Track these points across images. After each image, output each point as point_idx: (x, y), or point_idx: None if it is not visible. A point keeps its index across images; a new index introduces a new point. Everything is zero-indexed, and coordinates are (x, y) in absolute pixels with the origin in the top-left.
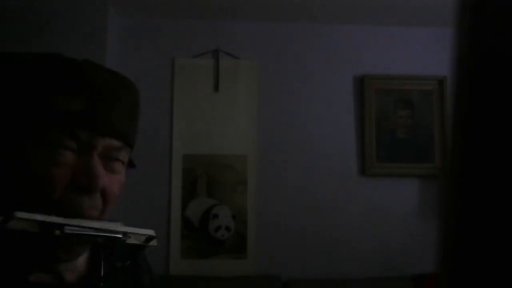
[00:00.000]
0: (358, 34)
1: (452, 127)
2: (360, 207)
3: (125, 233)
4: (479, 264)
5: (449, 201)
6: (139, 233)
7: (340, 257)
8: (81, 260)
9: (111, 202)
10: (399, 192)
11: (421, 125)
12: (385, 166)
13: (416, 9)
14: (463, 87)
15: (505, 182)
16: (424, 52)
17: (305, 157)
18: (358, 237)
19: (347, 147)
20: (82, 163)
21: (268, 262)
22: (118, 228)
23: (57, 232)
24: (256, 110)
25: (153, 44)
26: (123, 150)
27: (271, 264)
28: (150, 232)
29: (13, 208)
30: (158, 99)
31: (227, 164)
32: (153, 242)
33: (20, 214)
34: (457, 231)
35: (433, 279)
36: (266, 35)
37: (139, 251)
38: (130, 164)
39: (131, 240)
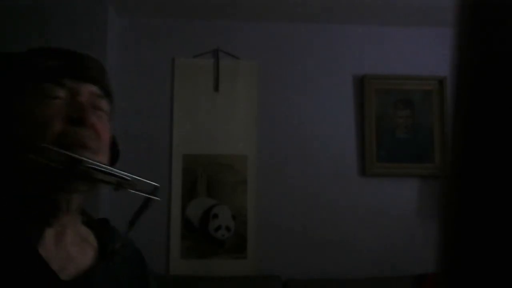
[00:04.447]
0: (358, 34)
1: (452, 127)
2: (360, 207)
3: (133, 180)
4: (479, 264)
5: (449, 201)
6: (145, 181)
7: (340, 257)
8: (90, 253)
9: (104, 142)
10: (399, 192)
11: (421, 125)
12: (385, 166)
13: (416, 9)
14: (463, 87)
15: (505, 182)
16: (424, 52)
17: (305, 157)
18: (358, 237)
19: (347, 147)
20: (72, 105)
21: (268, 262)
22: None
23: (78, 165)
24: (256, 110)
25: (153, 44)
26: (104, 100)
27: (271, 264)
28: (155, 184)
29: (18, 150)
30: (158, 99)
31: (227, 164)
32: (157, 195)
33: (47, 145)
34: (457, 231)
35: (433, 279)
36: (266, 35)
37: (144, 209)
38: (116, 152)
39: (138, 187)
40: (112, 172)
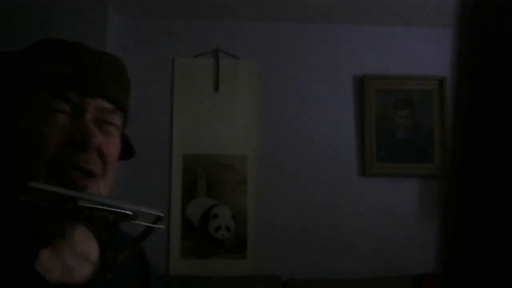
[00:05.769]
0: (358, 34)
1: (452, 127)
2: (360, 207)
3: (135, 212)
4: (479, 264)
5: (449, 201)
6: (148, 211)
7: (340, 257)
8: (93, 255)
9: (110, 163)
10: (399, 192)
11: (421, 125)
12: (385, 166)
13: (416, 9)
14: (463, 87)
15: (505, 182)
16: (424, 52)
17: (305, 157)
18: (358, 237)
19: (347, 147)
20: (75, 124)
21: (268, 262)
22: (127, 205)
23: (70, 205)
24: (256, 110)
25: (153, 44)
26: (115, 114)
27: (271, 264)
28: (158, 212)
29: (9, 171)
30: (158, 99)
31: (227, 164)
32: (160, 224)
33: (34, 184)
34: (457, 231)
35: (433, 279)
36: (266, 35)
37: (147, 236)
38: (130, 151)
39: (140, 220)
40: (111, 209)
